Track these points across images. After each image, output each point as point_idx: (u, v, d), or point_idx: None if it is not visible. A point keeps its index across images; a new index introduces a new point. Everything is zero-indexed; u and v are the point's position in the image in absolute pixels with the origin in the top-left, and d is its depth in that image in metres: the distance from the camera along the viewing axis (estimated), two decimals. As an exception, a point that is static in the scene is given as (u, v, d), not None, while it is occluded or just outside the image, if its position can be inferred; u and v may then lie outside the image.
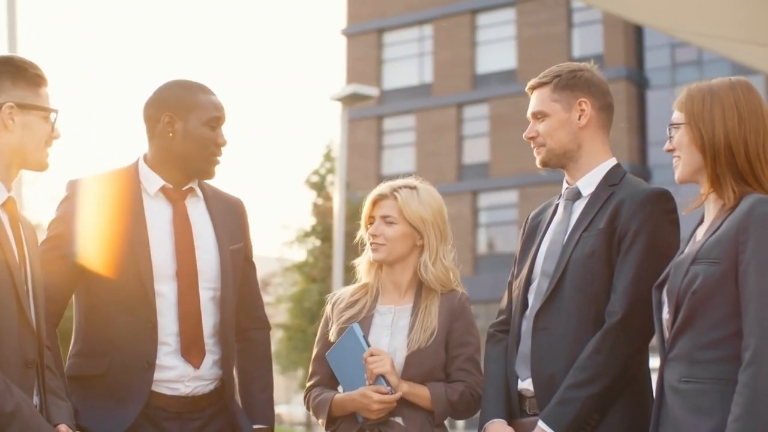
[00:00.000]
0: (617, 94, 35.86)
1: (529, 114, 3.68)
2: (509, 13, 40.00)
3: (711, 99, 3.11)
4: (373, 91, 21.53)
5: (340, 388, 3.93)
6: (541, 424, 3.38)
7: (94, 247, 3.61)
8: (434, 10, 41.32)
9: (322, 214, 28.31)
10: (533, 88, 3.68)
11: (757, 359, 2.82)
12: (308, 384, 3.98)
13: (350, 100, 20.15)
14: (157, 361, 3.59)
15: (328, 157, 29.89)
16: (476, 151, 39.89)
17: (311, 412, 3.94)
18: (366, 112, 39.61)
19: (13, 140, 3.22)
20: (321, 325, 4.01)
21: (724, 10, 8.09)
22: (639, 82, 38.18)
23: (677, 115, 3.18)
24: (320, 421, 3.87)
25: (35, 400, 3.18)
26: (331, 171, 29.64)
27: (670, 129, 3.21)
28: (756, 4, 7.86)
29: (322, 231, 28.53)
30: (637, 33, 37.16)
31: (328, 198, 29.19)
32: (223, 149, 3.75)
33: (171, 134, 3.68)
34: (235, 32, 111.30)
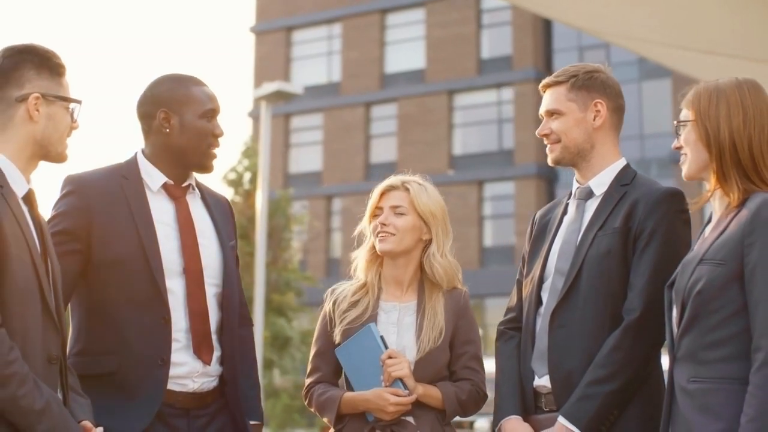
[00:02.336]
0: (526, 95, 36.16)
1: (542, 111, 3.74)
2: (418, 14, 40.15)
3: (717, 97, 3.17)
4: (297, 88, 21.58)
5: (341, 383, 3.90)
6: (561, 419, 3.42)
7: (102, 244, 3.55)
8: (343, 9, 41.29)
9: (240, 211, 28.06)
10: (547, 86, 3.73)
11: None
12: (309, 381, 3.92)
13: (274, 98, 20.14)
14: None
15: (246, 153, 29.69)
16: (384, 151, 39.92)
17: (314, 409, 3.90)
18: (274, 110, 39.41)
19: (37, 131, 3.15)
20: (320, 322, 3.96)
21: (644, 14, 8.47)
22: (547, 84, 38.55)
23: (685, 113, 3.24)
24: (326, 418, 3.84)
25: (58, 396, 3.11)
26: (248, 169, 29.45)
27: (677, 127, 3.28)
28: (671, 7, 8.26)
29: (240, 228, 28.31)
30: (545, 35, 37.56)
31: (246, 195, 28.96)
32: (220, 140, 3.74)
33: (168, 130, 3.66)
34: (141, 27, 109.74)
